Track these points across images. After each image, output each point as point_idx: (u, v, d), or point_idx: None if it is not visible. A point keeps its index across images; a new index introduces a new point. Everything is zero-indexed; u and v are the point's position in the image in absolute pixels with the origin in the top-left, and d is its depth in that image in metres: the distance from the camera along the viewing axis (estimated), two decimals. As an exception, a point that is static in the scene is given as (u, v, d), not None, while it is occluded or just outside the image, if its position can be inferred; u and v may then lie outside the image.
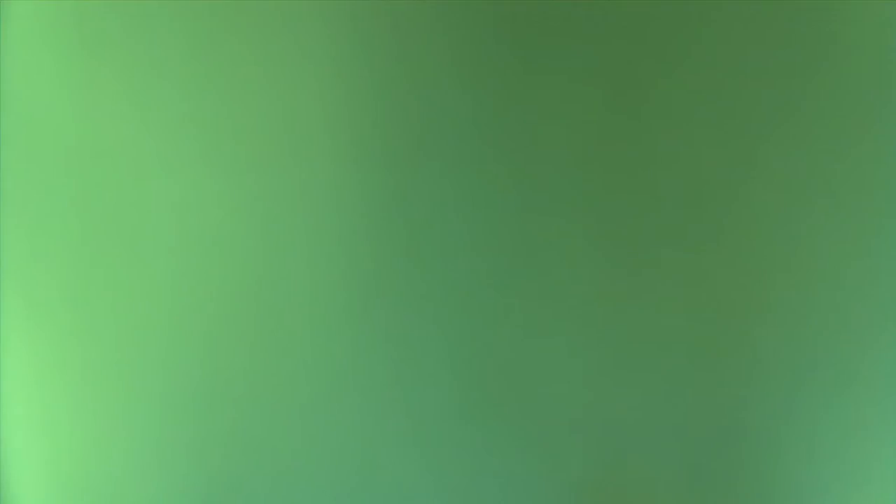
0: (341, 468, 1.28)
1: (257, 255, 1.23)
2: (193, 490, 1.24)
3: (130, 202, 1.19)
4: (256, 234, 1.22)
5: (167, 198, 1.19)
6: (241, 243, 1.22)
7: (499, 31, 1.24)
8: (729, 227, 1.36)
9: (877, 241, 1.36)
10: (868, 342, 1.37)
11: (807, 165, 1.30)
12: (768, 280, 1.35)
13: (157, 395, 1.23)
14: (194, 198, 1.20)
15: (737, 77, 1.28)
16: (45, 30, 1.14)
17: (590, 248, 1.31)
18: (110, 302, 1.20)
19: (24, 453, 1.21)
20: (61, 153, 1.17)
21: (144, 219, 1.19)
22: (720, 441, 1.35)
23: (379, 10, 1.20)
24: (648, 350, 1.33)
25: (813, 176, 1.32)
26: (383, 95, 1.21)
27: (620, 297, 1.31)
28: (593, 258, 1.31)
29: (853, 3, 1.25)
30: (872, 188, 1.35)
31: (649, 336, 1.32)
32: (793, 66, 1.27)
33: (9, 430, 1.20)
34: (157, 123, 1.18)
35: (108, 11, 1.15)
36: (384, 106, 1.21)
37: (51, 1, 1.14)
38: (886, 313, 1.36)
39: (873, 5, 1.25)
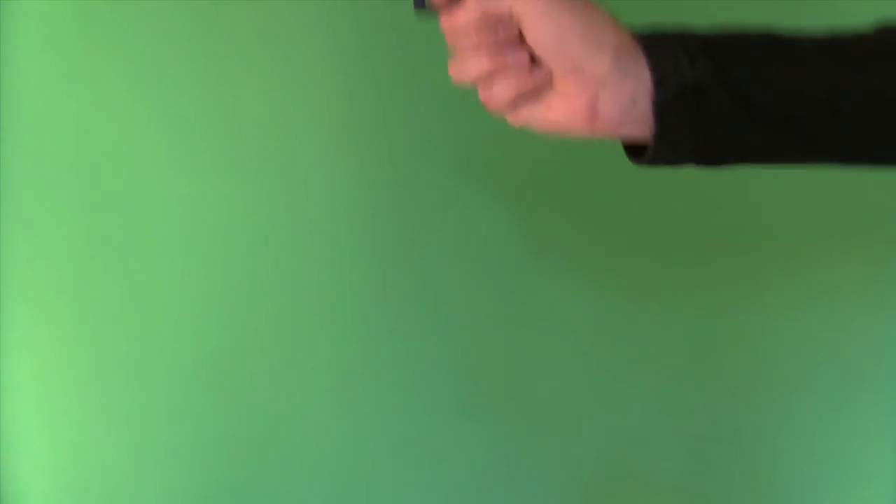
0: (347, 467, 1.28)
1: (263, 254, 1.23)
2: (198, 490, 1.24)
3: (133, 201, 1.19)
4: (262, 234, 1.22)
5: (170, 197, 1.19)
6: (246, 243, 1.22)
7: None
8: (730, 227, 1.36)
9: (877, 241, 1.36)
10: (868, 342, 1.37)
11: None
12: (768, 280, 1.35)
13: (161, 395, 1.22)
14: (198, 197, 1.20)
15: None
16: (46, 29, 1.14)
17: (593, 249, 1.31)
18: (113, 301, 1.20)
19: (25, 453, 1.21)
20: (63, 152, 1.17)
21: (147, 218, 1.19)
22: (721, 440, 1.35)
23: (383, 9, 1.20)
24: (650, 351, 1.33)
25: (813, 177, 1.31)
26: (389, 92, 1.21)
27: (622, 297, 1.32)
28: (596, 258, 1.31)
29: (853, 3, 1.25)
30: (872, 188, 1.35)
31: (650, 337, 1.32)
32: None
33: (9, 429, 1.20)
34: (159, 122, 1.18)
35: (109, 10, 1.15)
36: (390, 103, 1.21)
37: (51, 0, 1.14)
38: (886, 313, 1.36)
39: (873, 5, 1.25)
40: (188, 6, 1.17)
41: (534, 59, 0.75)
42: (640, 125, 0.73)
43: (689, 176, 1.32)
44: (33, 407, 1.21)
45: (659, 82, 0.71)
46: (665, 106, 0.72)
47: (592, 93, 0.72)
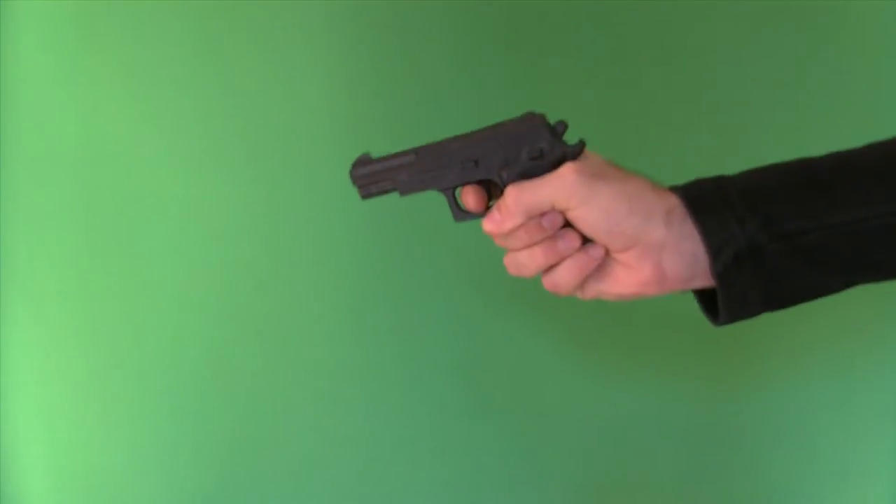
0: (346, 467, 1.28)
1: (263, 254, 1.23)
2: (198, 490, 1.24)
3: (133, 201, 1.19)
4: (262, 234, 1.22)
5: (170, 197, 1.19)
6: (246, 243, 1.22)
7: (500, 31, 1.24)
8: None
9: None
10: (868, 343, 1.37)
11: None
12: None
13: (161, 394, 1.23)
14: (197, 197, 1.20)
15: (737, 73, 1.28)
16: (46, 29, 1.14)
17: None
18: (113, 301, 1.20)
19: (25, 453, 1.21)
20: (62, 152, 1.17)
21: (147, 218, 1.20)
22: (721, 441, 1.35)
23: (382, 10, 1.20)
24: (650, 351, 1.33)
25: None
26: (387, 93, 1.21)
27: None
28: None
29: (853, 3, 1.25)
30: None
31: (650, 337, 1.32)
32: (793, 63, 1.27)
33: (9, 429, 1.20)
34: (159, 123, 1.18)
35: (109, 10, 1.15)
36: (388, 103, 1.21)
37: (51, 1, 1.14)
38: (886, 314, 1.36)
39: (873, 5, 1.25)
40: (188, 6, 1.17)
41: (585, 237, 0.74)
42: (708, 277, 0.72)
43: (686, 174, 1.32)
44: (33, 407, 1.21)
45: (715, 255, 0.70)
46: (725, 274, 0.71)
47: (656, 258, 0.72)
